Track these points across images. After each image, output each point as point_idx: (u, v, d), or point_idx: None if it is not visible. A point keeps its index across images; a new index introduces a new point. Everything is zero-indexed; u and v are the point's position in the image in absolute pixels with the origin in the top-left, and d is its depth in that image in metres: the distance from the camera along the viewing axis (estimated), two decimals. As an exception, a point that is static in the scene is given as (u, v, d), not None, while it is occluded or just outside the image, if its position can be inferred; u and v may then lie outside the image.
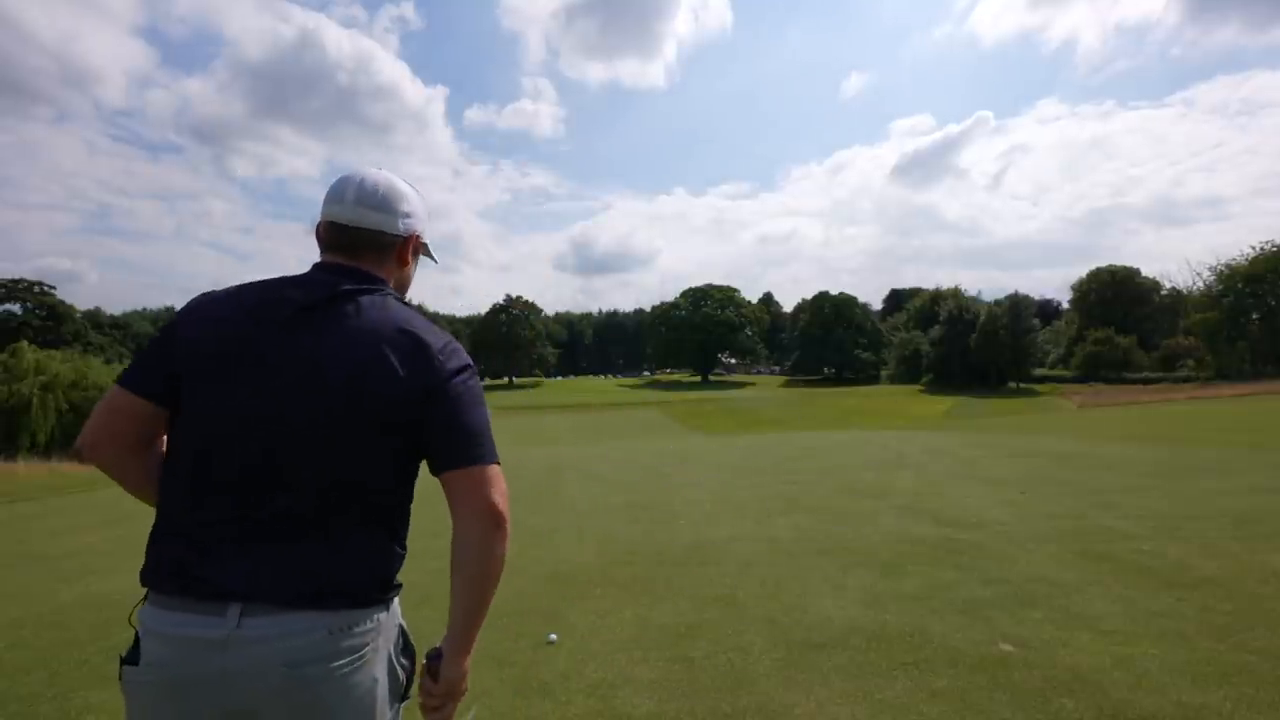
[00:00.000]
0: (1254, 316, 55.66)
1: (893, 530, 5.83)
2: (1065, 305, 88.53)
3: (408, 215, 1.31)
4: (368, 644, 1.14)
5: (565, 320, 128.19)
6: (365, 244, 1.27)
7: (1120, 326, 68.44)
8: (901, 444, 13.44)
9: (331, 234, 1.28)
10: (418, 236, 1.35)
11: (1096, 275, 77.56)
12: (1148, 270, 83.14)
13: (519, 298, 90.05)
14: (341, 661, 1.10)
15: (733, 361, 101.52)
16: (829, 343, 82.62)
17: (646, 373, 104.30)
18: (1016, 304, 67.51)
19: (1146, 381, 58.56)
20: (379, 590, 1.18)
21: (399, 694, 1.25)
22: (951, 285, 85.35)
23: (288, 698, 1.07)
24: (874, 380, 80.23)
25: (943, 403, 55.38)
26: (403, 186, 1.31)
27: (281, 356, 1.13)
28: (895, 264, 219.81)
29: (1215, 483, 7.56)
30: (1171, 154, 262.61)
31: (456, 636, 1.21)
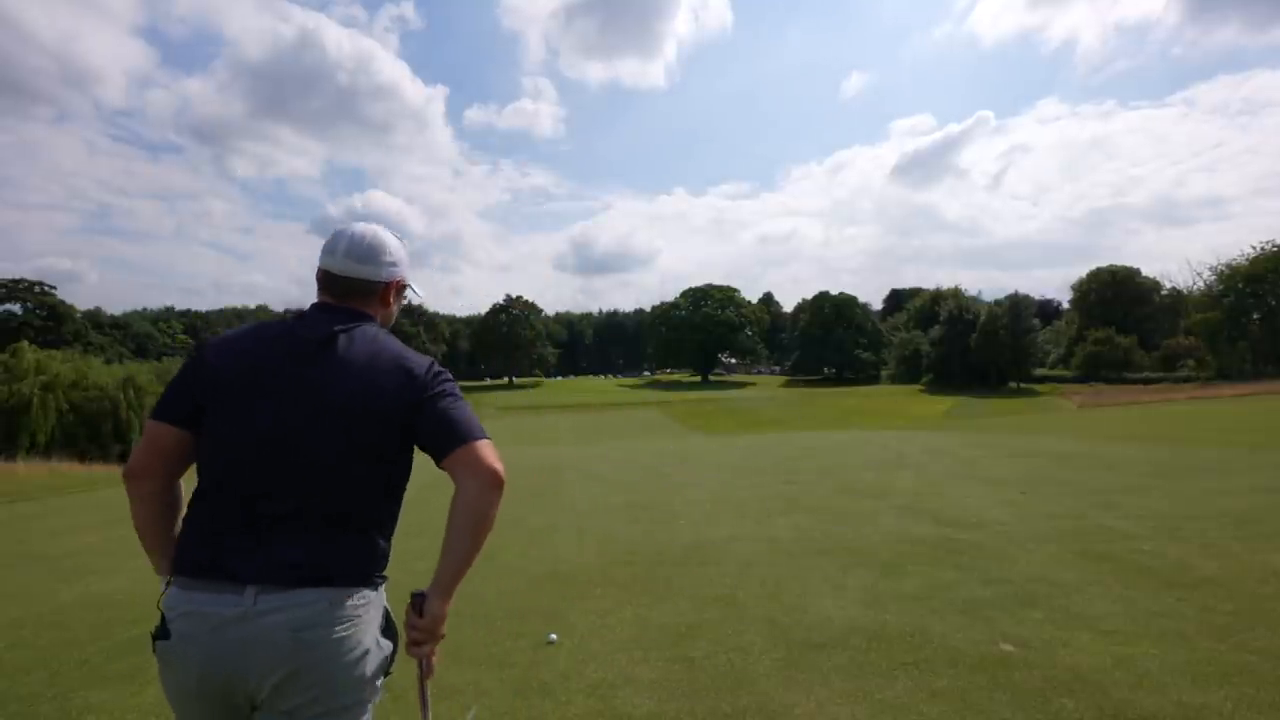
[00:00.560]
0: (1254, 316, 55.65)
1: (893, 530, 5.83)
2: (1065, 305, 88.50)
3: (392, 264, 1.57)
4: (360, 615, 1.34)
5: (565, 320, 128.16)
6: (355, 290, 1.52)
7: (1120, 326, 68.40)
8: (901, 444, 13.44)
9: (327, 281, 1.53)
10: (399, 281, 1.61)
11: (1097, 275, 77.52)
12: (1148, 270, 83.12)
13: (519, 298, 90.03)
14: (339, 627, 1.30)
15: (733, 361, 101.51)
16: (829, 343, 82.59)
17: (646, 373, 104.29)
18: (1016, 304, 67.48)
19: (1147, 381, 58.54)
20: (369, 575, 1.39)
21: (384, 665, 1.43)
22: (951, 285, 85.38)
23: (295, 658, 1.27)
24: (874, 380, 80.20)
25: (943, 403, 55.38)
26: (386, 239, 1.57)
27: (291, 386, 1.37)
28: (895, 264, 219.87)
29: (1216, 483, 7.56)
30: (1172, 154, 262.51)
31: (443, 582, 1.37)
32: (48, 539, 7.22)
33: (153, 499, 1.46)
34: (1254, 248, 56.79)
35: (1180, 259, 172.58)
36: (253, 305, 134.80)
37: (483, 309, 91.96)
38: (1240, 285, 55.71)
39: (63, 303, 68.60)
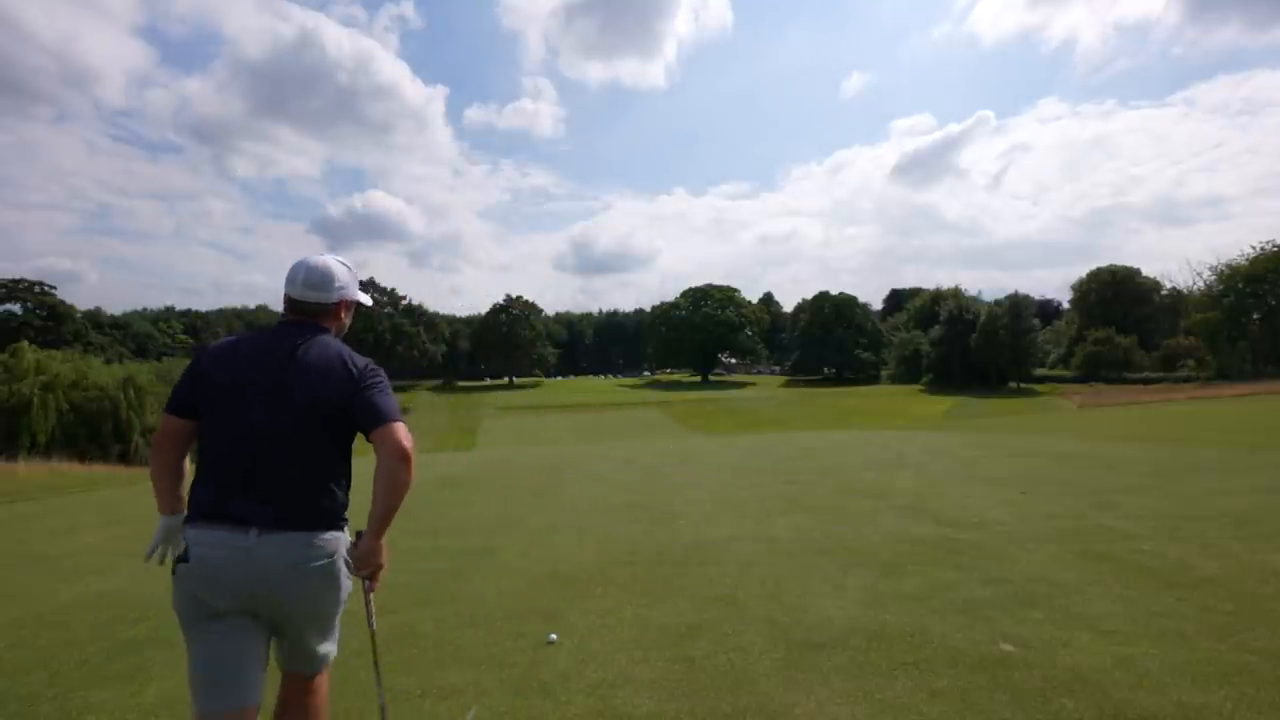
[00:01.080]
0: (1254, 316, 55.64)
1: (893, 530, 5.83)
2: (1065, 305, 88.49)
3: (340, 288, 2.08)
4: (333, 549, 1.88)
5: (565, 320, 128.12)
6: (311, 311, 2.05)
7: (1121, 326, 68.40)
8: (902, 444, 13.44)
9: (290, 304, 2.05)
10: (347, 300, 2.12)
11: (1097, 275, 77.53)
12: (1148, 270, 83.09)
13: (519, 298, 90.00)
14: (318, 559, 1.84)
15: (733, 361, 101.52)
16: (829, 343, 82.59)
17: (646, 373, 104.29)
18: (1017, 304, 67.48)
19: (1147, 381, 58.55)
20: (335, 519, 1.91)
21: (347, 584, 1.94)
22: (951, 285, 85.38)
23: (289, 583, 1.82)
24: (874, 380, 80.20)
25: (943, 403, 55.40)
26: (335, 269, 2.07)
27: (270, 388, 1.87)
28: (895, 264, 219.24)
29: (1216, 483, 7.56)
30: (1173, 153, 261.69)
31: (372, 526, 1.90)
32: (48, 539, 7.22)
33: (167, 465, 2.02)
34: (1254, 248, 56.86)
35: (1180, 259, 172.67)
36: (253, 305, 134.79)
37: (483, 309, 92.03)
38: (1240, 285, 55.70)
39: (63, 303, 68.59)
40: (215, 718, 1.80)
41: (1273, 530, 5.29)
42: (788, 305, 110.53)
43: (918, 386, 70.09)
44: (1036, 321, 69.18)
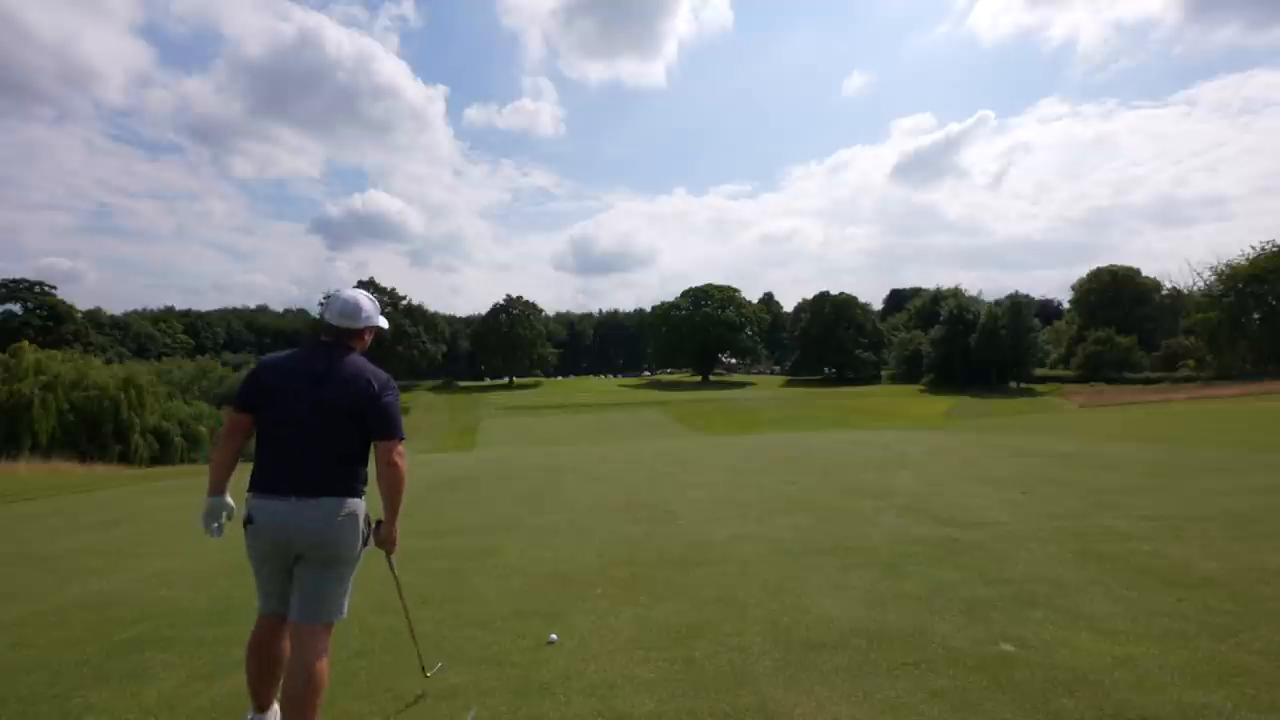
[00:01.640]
0: (1255, 316, 55.56)
1: (893, 530, 5.83)
2: (1066, 305, 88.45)
3: (367, 318, 2.70)
4: (353, 511, 2.53)
5: (565, 320, 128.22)
6: (343, 334, 2.67)
7: (1121, 326, 68.36)
8: (902, 444, 13.44)
9: (326, 328, 2.68)
10: (369, 327, 2.72)
11: (1097, 275, 77.50)
12: (1149, 270, 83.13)
13: (519, 298, 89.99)
14: (340, 516, 2.49)
15: (733, 361, 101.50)
16: (829, 343, 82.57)
17: (647, 373, 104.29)
18: (1017, 304, 67.50)
19: (1147, 381, 58.54)
20: (355, 490, 2.55)
21: (364, 538, 2.58)
22: (952, 285, 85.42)
23: (320, 532, 2.46)
24: (874, 380, 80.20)
25: (943, 403, 55.39)
26: (363, 302, 2.70)
27: (309, 395, 2.51)
28: (895, 264, 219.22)
29: (1216, 483, 7.56)
30: (1173, 153, 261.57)
31: (388, 515, 2.60)
32: (48, 539, 7.22)
33: (230, 452, 2.62)
34: (1254, 248, 56.75)
35: (1181, 259, 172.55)
36: (253, 305, 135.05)
37: (483, 309, 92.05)
38: (1240, 285, 55.63)
39: (63, 303, 68.61)
40: (265, 618, 2.61)
41: (1273, 530, 5.29)
42: (788, 305, 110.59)
43: (918, 386, 70.09)
44: (1037, 321, 69.19)
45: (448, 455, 20.20)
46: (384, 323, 2.79)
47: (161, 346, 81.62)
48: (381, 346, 78.90)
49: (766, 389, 76.88)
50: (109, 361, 41.87)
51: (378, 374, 2.57)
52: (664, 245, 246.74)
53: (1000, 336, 65.28)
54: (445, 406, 66.12)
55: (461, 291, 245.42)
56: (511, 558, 5.37)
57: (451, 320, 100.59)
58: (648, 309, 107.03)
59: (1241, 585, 4.02)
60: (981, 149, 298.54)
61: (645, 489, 8.88)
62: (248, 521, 2.49)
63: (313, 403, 2.48)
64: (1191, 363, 61.89)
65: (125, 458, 27.58)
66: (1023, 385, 65.53)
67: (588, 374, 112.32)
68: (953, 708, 2.72)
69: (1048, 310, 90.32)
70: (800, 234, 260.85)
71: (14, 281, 67.10)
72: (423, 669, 3.16)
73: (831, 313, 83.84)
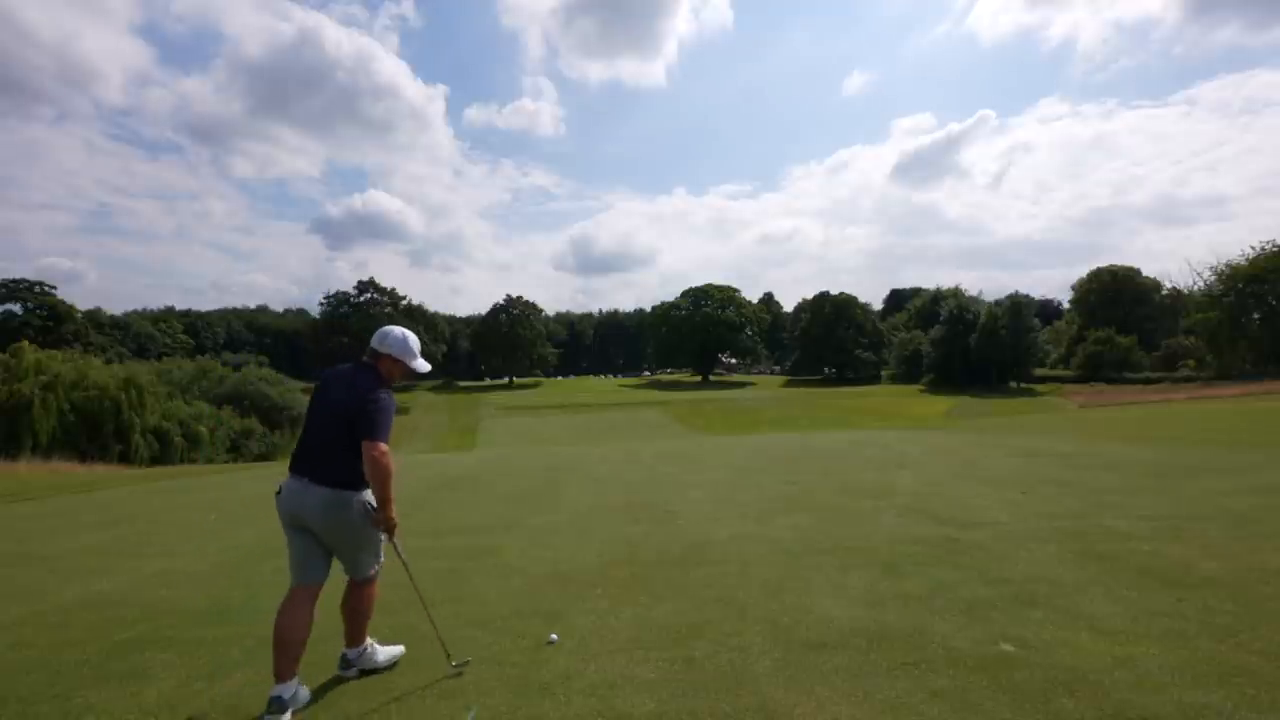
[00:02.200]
0: (1255, 316, 55.53)
1: (893, 530, 5.83)
2: (1066, 305, 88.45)
3: (386, 348, 3.23)
4: (349, 502, 3.04)
5: (565, 320, 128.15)
6: (371, 356, 3.23)
7: (1121, 326, 68.36)
8: (902, 444, 13.43)
9: (367, 350, 3.24)
10: (389, 356, 3.23)
11: (1097, 275, 77.51)
12: (1149, 270, 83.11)
13: (519, 297, 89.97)
14: (334, 506, 3.02)
15: (733, 361, 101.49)
16: (829, 343, 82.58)
17: (647, 373, 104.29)
18: (1017, 304, 67.51)
19: (1147, 381, 58.54)
20: (353, 483, 3.05)
21: (365, 522, 3.09)
22: (952, 285, 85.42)
23: (318, 517, 3.03)
24: (874, 380, 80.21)
25: (943, 403, 55.39)
26: (390, 335, 3.25)
27: (327, 399, 3.13)
28: (895, 264, 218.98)
29: (1216, 483, 7.55)
30: (1173, 153, 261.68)
31: (379, 502, 3.03)
32: (48, 539, 7.22)
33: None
34: (1253, 248, 56.70)
35: (1181, 259, 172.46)
36: (253, 305, 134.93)
37: (483, 309, 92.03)
38: (1240, 285, 55.60)
39: (63, 303, 68.61)
40: (296, 588, 3.10)
41: (1273, 530, 5.28)
42: (788, 305, 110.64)
43: (918, 386, 70.09)
44: (1036, 321, 69.19)
45: (448, 455, 20.19)
46: (419, 364, 3.30)
47: (161, 346, 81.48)
48: (381, 346, 78.94)
49: (766, 389, 76.87)
50: (109, 361, 41.76)
51: (371, 388, 3.06)
52: (664, 245, 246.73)
53: (1000, 336, 65.29)
54: (445, 407, 66.12)
55: (461, 291, 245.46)
56: (511, 558, 5.37)
57: (451, 320, 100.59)
58: (648, 309, 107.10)
59: (1242, 585, 4.02)
60: (981, 149, 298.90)
61: (645, 489, 8.88)
62: (277, 492, 3.12)
63: (326, 408, 3.10)
64: (1191, 363, 61.88)
65: (125, 458, 27.54)
66: (1023, 385, 65.53)
67: (588, 374, 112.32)
68: (953, 708, 2.72)
69: (1048, 310, 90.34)
70: (800, 234, 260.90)
71: (14, 281, 67.12)
72: (447, 656, 3.31)
73: (831, 313, 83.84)
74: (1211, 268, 59.25)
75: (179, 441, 31.64)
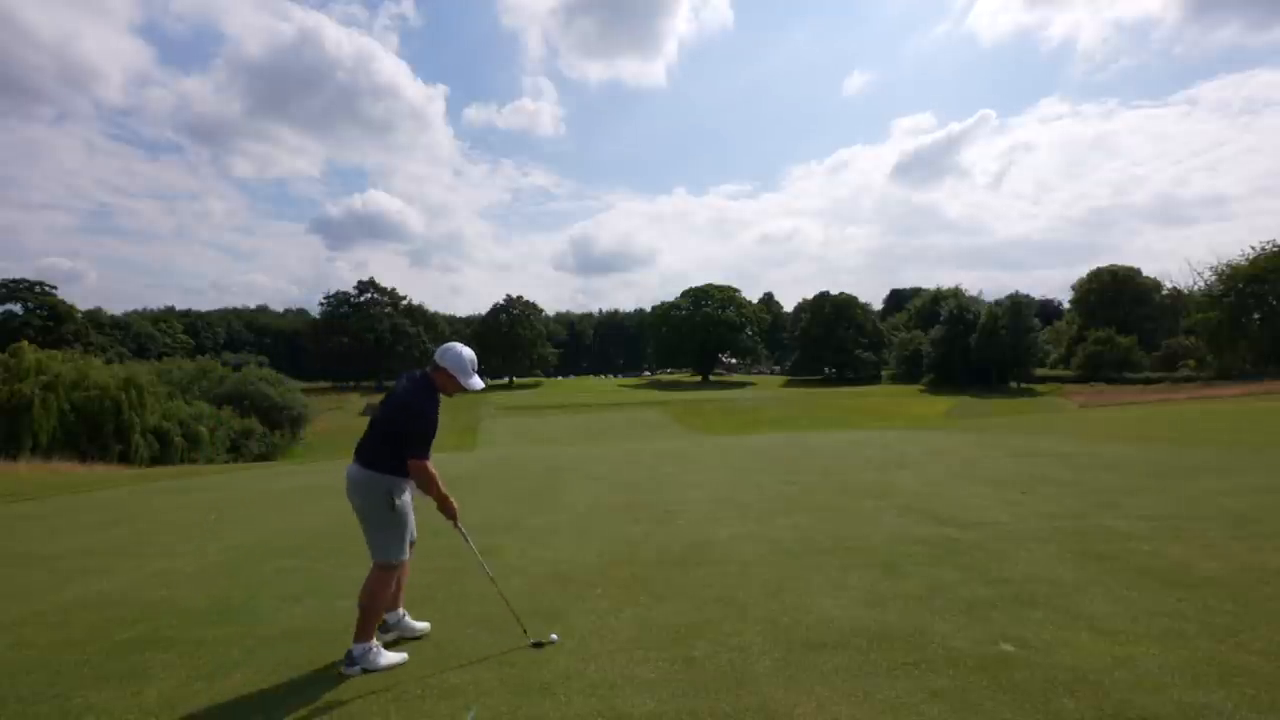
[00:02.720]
0: (1255, 316, 55.50)
1: (894, 530, 5.83)
2: (1066, 305, 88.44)
3: (441, 363, 3.56)
4: (378, 483, 3.44)
5: (565, 320, 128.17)
6: (432, 367, 3.61)
7: (1121, 326, 68.35)
8: (902, 444, 13.43)
9: (431, 360, 3.66)
10: (444, 370, 3.56)
11: (1097, 275, 77.51)
12: (1150, 270, 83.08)
13: (519, 297, 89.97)
14: (367, 484, 3.45)
15: (733, 361, 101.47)
16: (829, 343, 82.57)
17: (647, 372, 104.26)
18: (1017, 304, 67.50)
19: (1147, 381, 58.53)
20: (385, 469, 3.45)
21: (388, 504, 3.44)
22: (952, 285, 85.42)
23: (353, 492, 3.50)
24: (875, 380, 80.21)
25: (943, 403, 55.40)
26: (448, 351, 3.60)
27: (389, 396, 3.64)
28: (896, 264, 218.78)
29: (1216, 483, 7.55)
30: (1174, 153, 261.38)
31: (438, 506, 3.54)
32: (48, 539, 7.22)
33: None
34: (1254, 248, 56.67)
35: (1181, 259, 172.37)
36: (253, 305, 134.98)
37: (483, 309, 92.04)
38: (1240, 285, 55.57)
39: (63, 303, 68.62)
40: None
41: (1273, 530, 5.28)
42: (788, 305, 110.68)
43: (918, 386, 70.09)
44: (1037, 321, 69.19)
45: (448, 455, 20.17)
46: (472, 383, 3.59)
47: (162, 346, 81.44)
48: (381, 346, 79.37)
49: (766, 389, 76.87)
50: (109, 361, 41.79)
51: (414, 395, 3.47)
52: (664, 245, 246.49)
53: (1000, 336, 65.28)
54: (445, 406, 64.61)
55: (462, 291, 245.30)
56: (512, 558, 5.37)
57: (452, 320, 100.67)
58: (648, 309, 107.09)
59: (1241, 585, 4.02)
60: (982, 149, 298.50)
61: (645, 489, 8.88)
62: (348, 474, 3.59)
63: (384, 403, 3.60)
64: (1192, 363, 61.87)
65: (125, 458, 27.54)
66: (1023, 385, 65.53)
67: (588, 374, 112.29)
68: (953, 708, 2.72)
69: (1048, 310, 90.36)
70: (800, 234, 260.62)
71: (14, 281, 67.13)
72: (524, 631, 3.60)
73: (831, 313, 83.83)
74: (1212, 268, 59.25)
75: (179, 441, 31.66)
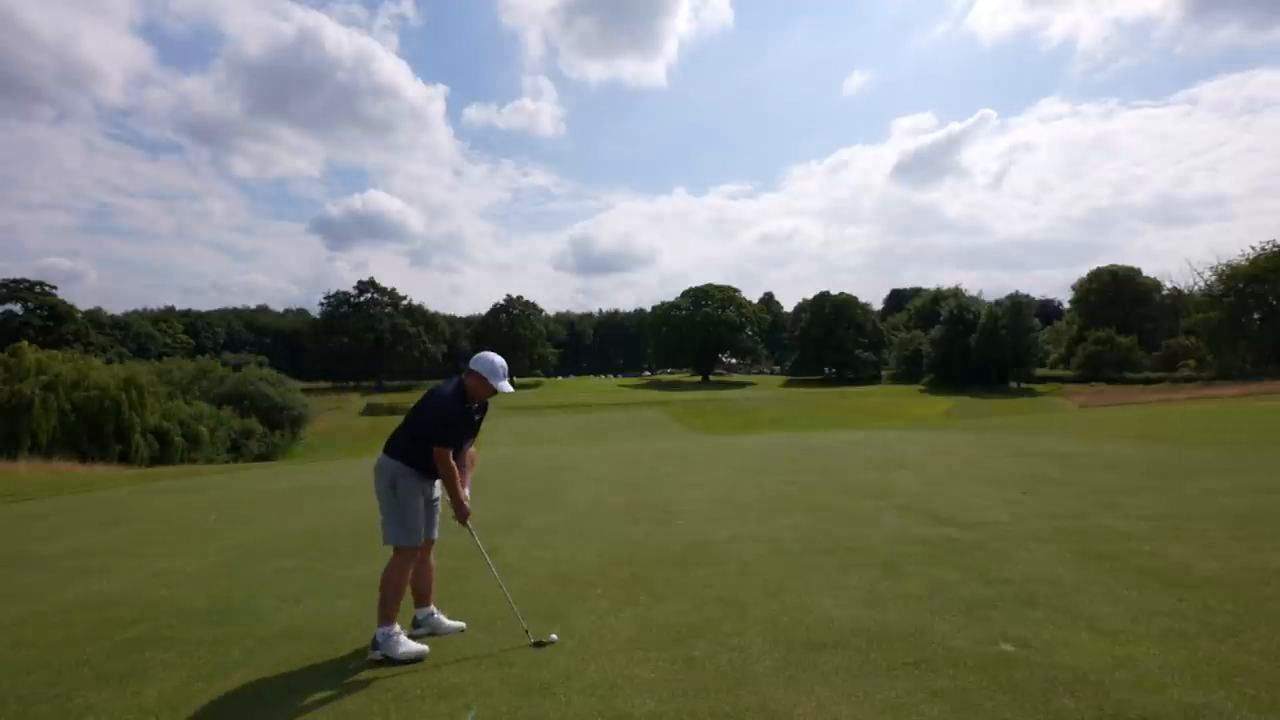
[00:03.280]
0: (1255, 316, 55.51)
1: (894, 530, 5.83)
2: (1066, 305, 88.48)
3: (473, 368, 3.73)
4: (394, 469, 3.64)
5: (566, 320, 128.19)
6: (466, 370, 3.79)
7: (1121, 326, 68.39)
8: (902, 444, 13.44)
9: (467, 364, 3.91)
10: (473, 372, 3.73)
11: (1097, 275, 77.56)
12: (1150, 270, 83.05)
13: (519, 297, 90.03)
14: (386, 470, 3.66)
15: (733, 361, 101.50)
16: (829, 343, 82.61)
17: (647, 372, 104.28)
18: (1017, 304, 67.55)
19: (1147, 381, 58.58)
20: (400, 455, 3.67)
21: (394, 487, 3.60)
22: (952, 285, 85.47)
23: (373, 473, 3.71)
24: (875, 380, 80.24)
25: (943, 403, 55.42)
26: (481, 356, 3.78)
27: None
28: (896, 264, 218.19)
29: (1216, 482, 7.55)
30: (1174, 153, 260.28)
31: (449, 494, 3.69)
32: (49, 539, 7.23)
33: None
34: (1254, 248, 56.69)
35: (1181, 259, 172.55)
36: (253, 305, 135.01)
37: (483, 309, 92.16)
38: (1240, 285, 55.59)
39: (63, 303, 68.64)
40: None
41: (1273, 530, 5.28)
42: (788, 305, 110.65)
43: (918, 386, 70.11)
44: (1037, 321, 69.24)
45: (448, 455, 20.12)
46: (502, 387, 3.73)
47: (162, 346, 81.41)
48: (382, 346, 79.42)
49: (766, 389, 76.89)
50: (109, 361, 41.77)
51: (440, 393, 3.68)
52: (664, 245, 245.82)
53: (1000, 336, 65.32)
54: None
55: (462, 291, 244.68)
56: (512, 557, 5.37)
57: (452, 320, 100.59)
58: (648, 309, 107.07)
59: (1241, 585, 4.03)
60: (982, 148, 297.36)
61: (645, 489, 8.89)
62: None
63: (421, 403, 3.76)
64: (1192, 363, 61.90)
65: (125, 458, 27.54)
66: (1023, 385, 65.57)
67: (588, 374, 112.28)
68: (953, 708, 2.72)
69: (1048, 310, 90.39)
70: (800, 234, 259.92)
71: (14, 282, 67.15)
72: (526, 631, 3.61)
73: (831, 313, 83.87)
74: (1212, 268, 59.31)
75: (179, 441, 31.66)
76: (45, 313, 66.19)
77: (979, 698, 2.79)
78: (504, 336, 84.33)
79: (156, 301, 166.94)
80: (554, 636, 3.61)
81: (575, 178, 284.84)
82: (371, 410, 62.32)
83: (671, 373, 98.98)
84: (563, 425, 51.53)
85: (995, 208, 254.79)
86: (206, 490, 11.49)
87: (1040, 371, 69.56)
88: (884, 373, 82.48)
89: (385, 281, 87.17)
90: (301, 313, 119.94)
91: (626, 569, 4.94)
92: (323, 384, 78.75)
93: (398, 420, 3.86)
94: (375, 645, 3.47)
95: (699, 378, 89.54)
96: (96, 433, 27.90)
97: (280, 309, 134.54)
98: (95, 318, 76.45)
